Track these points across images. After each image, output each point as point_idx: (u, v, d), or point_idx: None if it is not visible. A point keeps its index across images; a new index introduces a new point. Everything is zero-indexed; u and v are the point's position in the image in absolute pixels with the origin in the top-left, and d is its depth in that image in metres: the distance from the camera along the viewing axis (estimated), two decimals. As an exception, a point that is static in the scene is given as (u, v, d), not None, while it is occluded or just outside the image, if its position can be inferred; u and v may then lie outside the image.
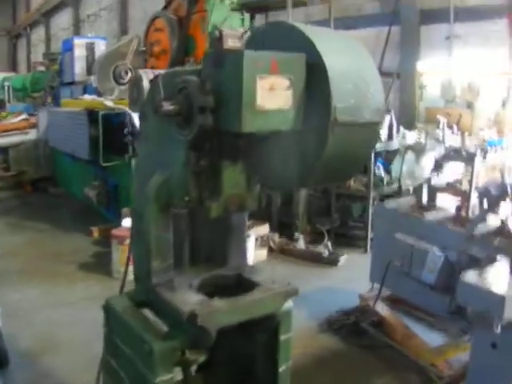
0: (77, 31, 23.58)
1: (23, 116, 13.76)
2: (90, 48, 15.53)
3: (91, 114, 9.52)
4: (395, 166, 8.41)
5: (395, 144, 8.96)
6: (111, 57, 12.79)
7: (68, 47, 15.78)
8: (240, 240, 3.75)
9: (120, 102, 9.75)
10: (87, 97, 12.04)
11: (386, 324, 6.29)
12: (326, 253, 8.70)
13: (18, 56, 30.68)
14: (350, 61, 3.01)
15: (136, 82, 3.70)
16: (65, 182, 12.74)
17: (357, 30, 11.57)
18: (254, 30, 3.33)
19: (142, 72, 3.86)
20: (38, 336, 6.04)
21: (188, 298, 3.18)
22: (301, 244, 9.10)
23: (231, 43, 2.77)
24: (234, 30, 2.83)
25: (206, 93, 2.79)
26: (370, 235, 8.78)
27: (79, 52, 15.48)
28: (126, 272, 4.08)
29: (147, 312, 3.41)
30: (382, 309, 6.53)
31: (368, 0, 12.73)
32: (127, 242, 6.99)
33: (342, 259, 8.58)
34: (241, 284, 3.54)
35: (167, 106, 2.87)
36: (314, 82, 2.86)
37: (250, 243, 8.09)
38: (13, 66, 29.82)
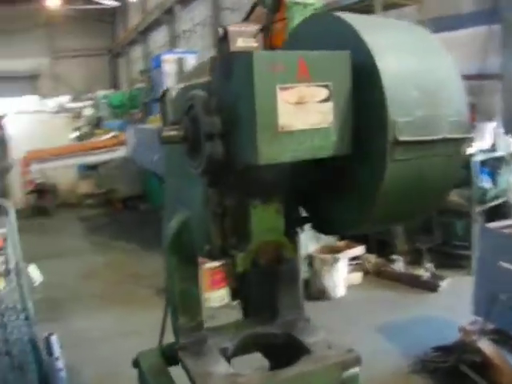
0: (173, 47, 23.68)
1: (112, 133, 13.66)
2: (179, 63, 15.34)
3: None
4: (502, 177, 7.27)
5: (501, 152, 7.83)
6: (199, 71, 12.38)
7: (157, 63, 15.70)
8: (292, 289, 2.98)
9: None
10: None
11: (490, 366, 5.26)
12: (425, 276, 7.69)
13: (119, 74, 31.45)
14: (417, 59, 2.19)
15: (162, 99, 3.05)
16: (156, 199, 12.45)
17: (452, 31, 10.41)
18: (294, 27, 2.56)
19: (172, 87, 3.20)
20: (100, 370, 5.52)
21: (212, 370, 2.47)
22: (399, 266, 8.13)
23: (242, 43, 2.03)
24: (247, 24, 2.08)
25: (211, 113, 2.06)
26: (474, 256, 7.68)
27: (169, 67, 15.31)
28: (164, 322, 3.39)
29: (175, 370, 2.79)
30: (486, 347, 5.49)
31: (463, -2, 11.53)
32: (207, 266, 6.46)
33: (444, 284, 7.53)
34: (290, 345, 2.77)
35: (167, 131, 2.17)
36: (364, 89, 2.06)
37: (342, 267, 7.38)
38: (114, 84, 30.60)
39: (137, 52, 27.47)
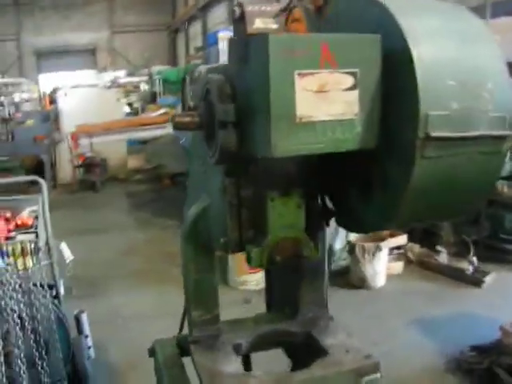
0: (231, 25, 23.39)
1: (162, 110, 13.62)
2: (236, 40, 15.11)
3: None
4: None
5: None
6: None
7: (213, 41, 15.51)
8: (316, 285, 2.81)
9: None
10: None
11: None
12: (470, 270, 7.36)
13: (178, 51, 31.40)
14: (456, 46, 1.97)
15: (183, 82, 2.90)
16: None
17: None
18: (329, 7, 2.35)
19: (201, 67, 3.04)
20: (128, 349, 5.48)
21: (221, 368, 2.33)
22: (443, 257, 7.82)
23: (261, 24, 1.85)
24: (267, 3, 1.89)
25: (226, 99, 1.89)
26: (523, 250, 7.32)
27: (224, 45, 15.11)
28: (185, 311, 3.27)
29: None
30: (527, 351, 5.20)
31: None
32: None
33: (488, 279, 7.20)
34: (309, 345, 2.61)
35: (181, 117, 2.02)
36: (395, 76, 1.86)
37: (384, 256, 7.16)
38: (173, 61, 30.59)
39: (196, 28, 27.33)
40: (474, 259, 7.48)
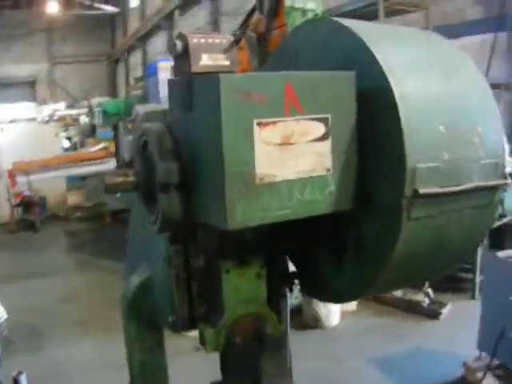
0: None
1: (102, 145, 13.05)
2: (176, 71, 14.72)
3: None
4: (509, 197, 6.69)
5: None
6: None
7: (153, 71, 15.09)
8: (279, 354, 2.40)
9: None
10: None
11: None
12: (426, 302, 7.08)
13: (118, 81, 30.68)
14: (442, 82, 1.63)
15: (115, 131, 2.49)
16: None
17: (459, 38, 9.85)
18: (285, 37, 2.00)
19: (139, 108, 2.63)
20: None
21: None
22: (398, 291, 7.51)
23: (209, 60, 1.46)
24: (216, 34, 1.50)
25: (167, 156, 1.49)
26: (478, 278, 7.10)
27: (164, 75, 14.69)
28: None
29: None
30: (492, 387, 4.94)
31: (470, 4, 10.97)
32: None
33: (445, 310, 6.93)
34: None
35: (113, 177, 1.59)
36: (374, 123, 1.50)
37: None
38: (113, 91, 29.84)
39: (136, 58, 26.87)
40: (430, 290, 7.22)
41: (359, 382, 5.35)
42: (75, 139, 18.39)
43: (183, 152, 1.55)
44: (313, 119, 1.45)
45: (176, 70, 1.55)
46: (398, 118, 1.46)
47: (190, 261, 1.81)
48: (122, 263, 8.30)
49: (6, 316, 4.65)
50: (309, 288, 2.01)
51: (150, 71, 15.05)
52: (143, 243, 2.09)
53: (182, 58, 1.48)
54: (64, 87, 29.53)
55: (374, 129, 1.53)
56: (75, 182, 12.54)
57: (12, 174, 11.33)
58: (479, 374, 4.99)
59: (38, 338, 6.44)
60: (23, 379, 4.35)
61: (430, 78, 1.61)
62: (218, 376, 2.48)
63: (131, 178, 1.65)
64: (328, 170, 1.51)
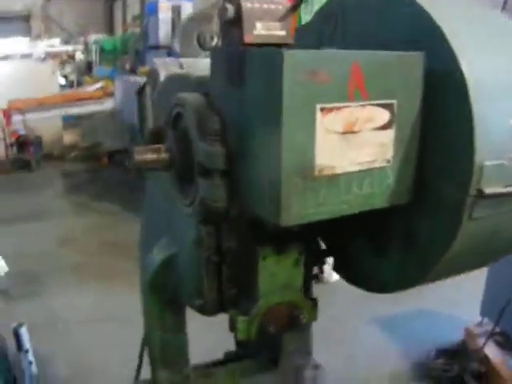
0: (171, -11, 22.20)
1: (99, 84, 12.69)
2: (176, 10, 14.24)
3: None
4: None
5: None
6: (196, 20, 11.42)
7: (152, 10, 14.56)
8: (302, 331, 2.29)
9: None
10: (166, 64, 10.62)
11: (495, 377, 4.72)
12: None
13: (115, 18, 29.76)
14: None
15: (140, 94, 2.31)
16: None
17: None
18: (321, 8, 1.79)
19: (159, 63, 2.42)
20: (74, 362, 4.88)
21: None
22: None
23: (263, 30, 1.27)
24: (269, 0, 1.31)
25: (211, 138, 1.32)
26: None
27: (164, 15, 14.22)
28: (141, 358, 2.68)
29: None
30: (493, 356, 4.92)
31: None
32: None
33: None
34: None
35: (142, 153, 1.42)
36: (437, 110, 1.33)
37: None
38: (110, 29, 28.98)
39: (133, -6, 25.95)
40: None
41: (360, 342, 5.34)
42: (71, 77, 17.95)
43: (229, 132, 1.38)
44: (378, 105, 1.28)
45: (224, 36, 1.35)
46: (469, 108, 1.29)
47: (221, 243, 1.66)
48: (118, 205, 8.17)
49: (6, 269, 4.54)
50: (345, 270, 1.87)
51: (150, 9, 14.53)
52: (166, 216, 1.94)
53: (233, 24, 1.28)
54: (59, 23, 28.65)
55: (437, 118, 1.36)
56: (71, 121, 12.24)
57: (7, 113, 11.03)
58: (480, 340, 4.97)
59: (35, 285, 6.31)
60: (24, 331, 4.28)
61: (502, 61, 1.43)
62: (222, 342, 2.35)
63: (164, 155, 1.48)
64: (388, 162, 1.34)
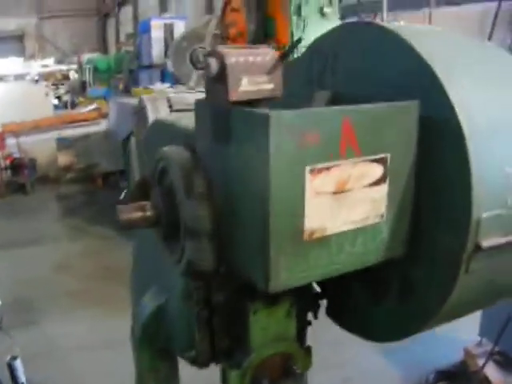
0: (163, 10, 22.27)
1: (94, 105, 12.64)
2: (169, 29, 14.25)
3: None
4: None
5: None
6: (188, 39, 11.40)
7: (145, 28, 14.58)
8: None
9: None
10: (158, 86, 10.61)
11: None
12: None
13: (108, 36, 29.81)
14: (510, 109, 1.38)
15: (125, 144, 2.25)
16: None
17: (459, 6, 9.47)
18: (311, 45, 1.74)
19: (147, 100, 2.36)
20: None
21: None
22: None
23: (250, 85, 1.20)
24: (255, 49, 1.25)
25: (197, 197, 1.25)
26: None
27: (157, 33, 14.23)
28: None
29: None
30: (493, 375, 4.85)
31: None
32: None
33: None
34: None
35: (128, 214, 1.36)
36: (432, 160, 1.27)
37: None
38: (103, 47, 29.02)
39: (127, 13, 25.99)
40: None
41: (358, 365, 5.26)
42: (65, 98, 17.93)
43: (216, 192, 1.31)
44: (371, 160, 1.22)
45: (209, 93, 1.28)
46: (467, 159, 1.23)
47: (211, 297, 1.59)
48: (113, 229, 8.03)
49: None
50: (338, 316, 1.80)
51: (142, 28, 14.56)
52: (155, 262, 1.87)
53: (217, 81, 1.21)
54: (53, 41, 28.68)
55: (432, 168, 1.30)
56: (66, 142, 12.16)
57: (1, 136, 10.96)
58: (480, 361, 4.90)
59: (31, 312, 6.23)
60: (18, 364, 4.19)
61: (498, 105, 1.37)
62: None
63: (150, 213, 1.41)
64: (382, 217, 1.28)
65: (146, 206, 1.40)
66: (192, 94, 2.47)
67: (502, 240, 1.34)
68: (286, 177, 1.11)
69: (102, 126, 11.63)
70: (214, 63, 1.18)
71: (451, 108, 1.25)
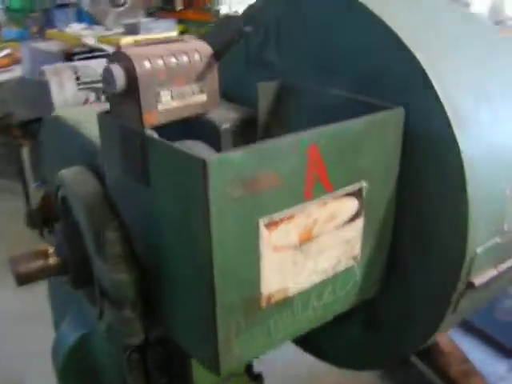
0: None
1: (6, 51, 11.60)
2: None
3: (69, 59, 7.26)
4: None
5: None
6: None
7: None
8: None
9: (106, 39, 7.36)
10: (76, 26, 9.69)
11: (439, 353, 4.57)
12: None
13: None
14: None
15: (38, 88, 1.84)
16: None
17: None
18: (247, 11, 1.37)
19: (49, 72, 1.92)
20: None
21: None
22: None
23: (174, 100, 0.85)
24: (180, 41, 0.88)
25: (113, 261, 0.89)
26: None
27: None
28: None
29: None
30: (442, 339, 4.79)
31: None
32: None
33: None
34: None
35: (24, 265, 1.00)
36: (418, 185, 0.96)
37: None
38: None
39: None
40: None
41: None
42: (-25, 41, 16.51)
43: (136, 244, 0.95)
44: (344, 195, 0.89)
45: (115, 110, 0.89)
46: (463, 188, 0.93)
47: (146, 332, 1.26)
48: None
49: None
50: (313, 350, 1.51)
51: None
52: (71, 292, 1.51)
53: (126, 97, 0.83)
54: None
55: (415, 194, 1.00)
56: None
57: None
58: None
59: None
60: None
61: (502, 121, 1.06)
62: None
63: (54, 260, 1.04)
64: (355, 259, 0.98)
65: (47, 252, 1.03)
66: (102, 63, 2.03)
67: (494, 272, 1.07)
68: (234, 235, 0.77)
69: (15, 72, 10.69)
70: (119, 74, 0.80)
71: (444, 117, 0.93)
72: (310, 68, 1.12)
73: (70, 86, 1.86)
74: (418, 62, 0.94)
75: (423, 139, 0.96)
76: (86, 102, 1.82)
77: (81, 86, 1.89)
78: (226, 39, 0.89)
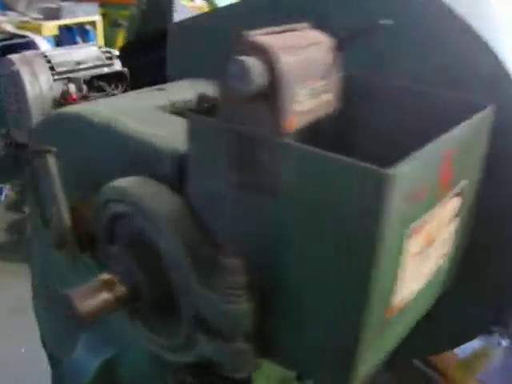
0: None
1: None
2: None
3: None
4: None
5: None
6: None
7: None
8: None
9: (25, 25, 6.59)
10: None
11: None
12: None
13: None
14: None
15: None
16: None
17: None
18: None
19: (19, 61, 1.72)
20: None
21: None
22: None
23: (308, 100, 0.78)
24: (293, 27, 0.80)
25: (232, 292, 0.79)
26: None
27: None
28: None
29: None
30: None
31: None
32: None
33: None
34: None
35: (86, 301, 0.87)
36: (495, 183, 0.97)
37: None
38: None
39: None
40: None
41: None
42: None
43: (249, 267, 0.85)
44: (453, 196, 0.88)
45: (232, 117, 0.79)
46: None
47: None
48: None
49: None
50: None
51: None
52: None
53: (257, 97, 0.73)
54: None
55: (494, 193, 1.00)
56: None
57: None
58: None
59: None
60: None
61: None
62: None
63: (121, 291, 0.91)
64: (446, 255, 0.97)
65: (113, 281, 0.89)
66: (75, 50, 1.86)
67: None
68: (388, 249, 0.72)
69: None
70: (258, 70, 0.70)
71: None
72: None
73: (45, 77, 1.68)
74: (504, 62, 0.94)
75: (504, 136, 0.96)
76: (68, 95, 1.64)
77: (56, 77, 1.70)
78: (353, 30, 0.81)
